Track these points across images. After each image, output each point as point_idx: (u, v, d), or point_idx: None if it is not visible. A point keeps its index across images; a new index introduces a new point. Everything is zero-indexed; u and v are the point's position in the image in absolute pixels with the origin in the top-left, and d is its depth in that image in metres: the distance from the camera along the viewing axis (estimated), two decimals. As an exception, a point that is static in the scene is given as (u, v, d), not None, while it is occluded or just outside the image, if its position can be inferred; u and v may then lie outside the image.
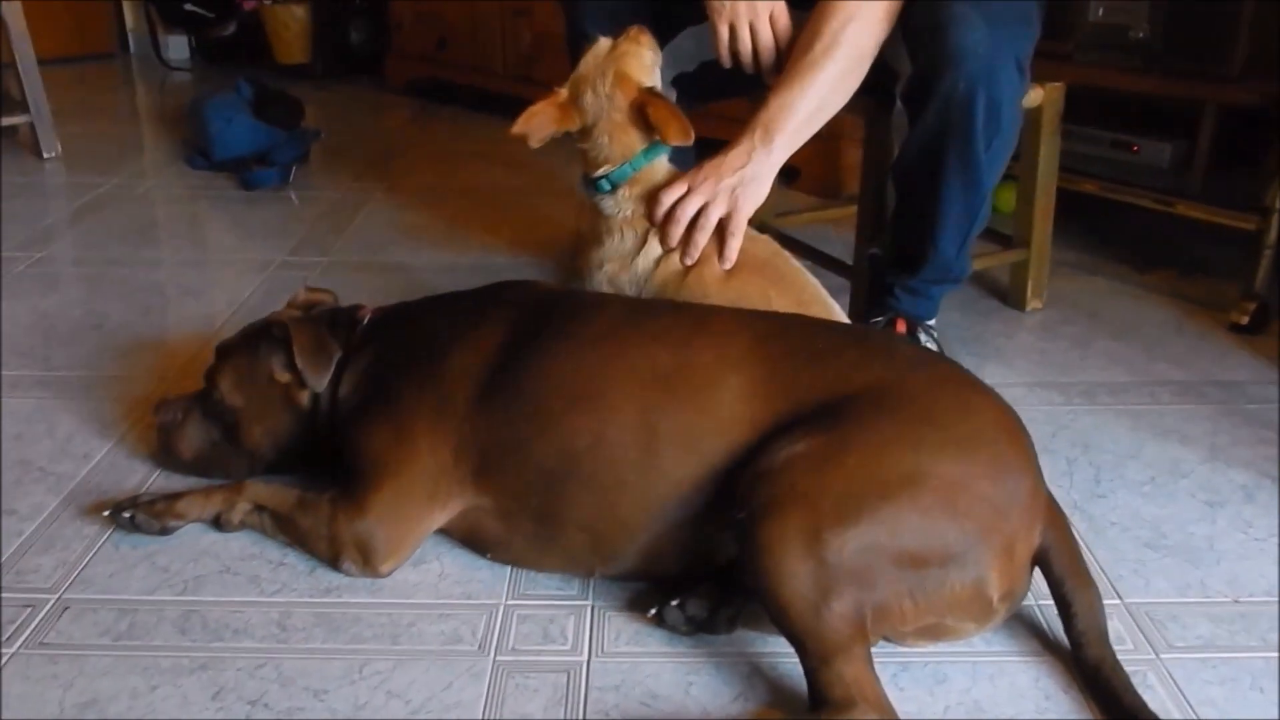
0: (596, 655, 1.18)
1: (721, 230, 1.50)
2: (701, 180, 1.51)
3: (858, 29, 1.52)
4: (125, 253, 2.39)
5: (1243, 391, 1.77)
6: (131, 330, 1.98)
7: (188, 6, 4.47)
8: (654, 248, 1.53)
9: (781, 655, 1.16)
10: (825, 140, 1.86)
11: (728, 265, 1.51)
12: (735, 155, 1.52)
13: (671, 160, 1.57)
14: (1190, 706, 1.10)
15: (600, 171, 1.55)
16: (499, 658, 1.17)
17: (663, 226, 1.51)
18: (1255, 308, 1.97)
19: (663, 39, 1.62)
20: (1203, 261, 2.32)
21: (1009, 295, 2.12)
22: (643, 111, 1.51)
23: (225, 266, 2.35)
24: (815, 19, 1.53)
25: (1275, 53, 2.09)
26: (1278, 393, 1.76)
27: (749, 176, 1.51)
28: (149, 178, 3.04)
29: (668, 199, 1.51)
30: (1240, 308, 1.99)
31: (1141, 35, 2.21)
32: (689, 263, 1.51)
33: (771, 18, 1.59)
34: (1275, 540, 1.38)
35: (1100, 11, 2.25)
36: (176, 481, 1.48)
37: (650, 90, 1.53)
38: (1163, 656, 1.18)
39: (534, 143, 1.54)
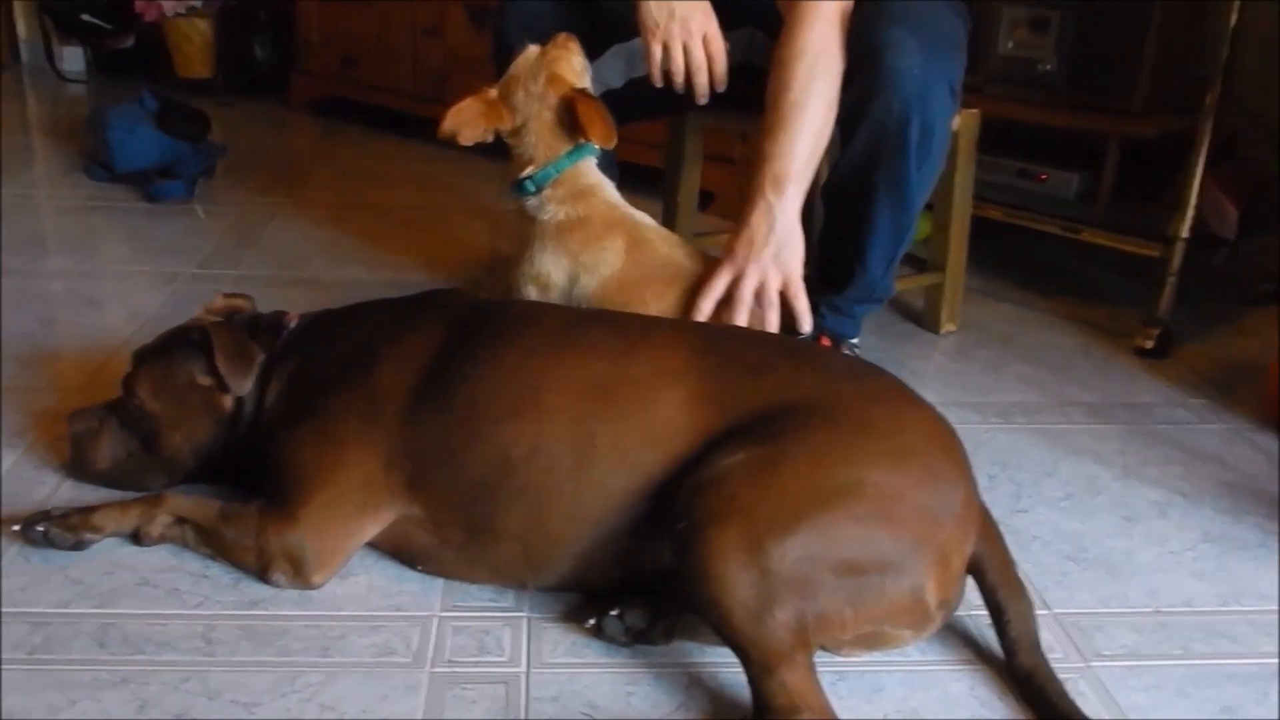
0: (535, 666, 1.16)
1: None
2: (743, 260, 1.52)
3: (828, 62, 1.54)
4: (21, 263, 2.28)
5: (1149, 414, 1.83)
6: (31, 340, 1.89)
7: (85, 17, 4.31)
8: (601, 266, 1.52)
9: (721, 665, 1.15)
10: (747, 162, 1.87)
11: (808, 330, 1.54)
12: (758, 221, 1.53)
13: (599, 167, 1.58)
14: (1122, 711, 1.13)
15: (525, 173, 1.54)
16: (435, 669, 1.14)
17: (724, 315, 1.51)
18: (1159, 333, 2.04)
19: (590, 55, 1.63)
20: (1101, 289, 2.40)
21: (923, 318, 2.16)
22: (571, 111, 1.50)
23: (130, 278, 2.26)
24: (781, 65, 1.54)
25: (1176, 90, 2.18)
26: (1184, 415, 1.83)
27: (782, 238, 1.53)
28: (44, 188, 2.92)
29: (717, 289, 1.51)
30: (1144, 333, 2.06)
31: (1049, 69, 2.28)
32: None
33: (705, 39, 1.60)
34: (1190, 554, 1.43)
35: (1010, 45, 2.33)
36: (87, 493, 1.41)
37: (583, 90, 1.53)
38: (1092, 664, 1.20)
39: (464, 140, 1.53)
